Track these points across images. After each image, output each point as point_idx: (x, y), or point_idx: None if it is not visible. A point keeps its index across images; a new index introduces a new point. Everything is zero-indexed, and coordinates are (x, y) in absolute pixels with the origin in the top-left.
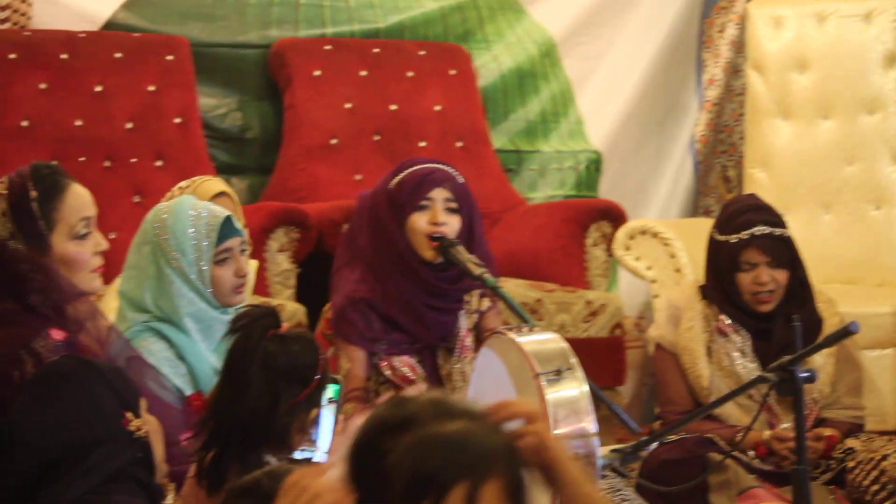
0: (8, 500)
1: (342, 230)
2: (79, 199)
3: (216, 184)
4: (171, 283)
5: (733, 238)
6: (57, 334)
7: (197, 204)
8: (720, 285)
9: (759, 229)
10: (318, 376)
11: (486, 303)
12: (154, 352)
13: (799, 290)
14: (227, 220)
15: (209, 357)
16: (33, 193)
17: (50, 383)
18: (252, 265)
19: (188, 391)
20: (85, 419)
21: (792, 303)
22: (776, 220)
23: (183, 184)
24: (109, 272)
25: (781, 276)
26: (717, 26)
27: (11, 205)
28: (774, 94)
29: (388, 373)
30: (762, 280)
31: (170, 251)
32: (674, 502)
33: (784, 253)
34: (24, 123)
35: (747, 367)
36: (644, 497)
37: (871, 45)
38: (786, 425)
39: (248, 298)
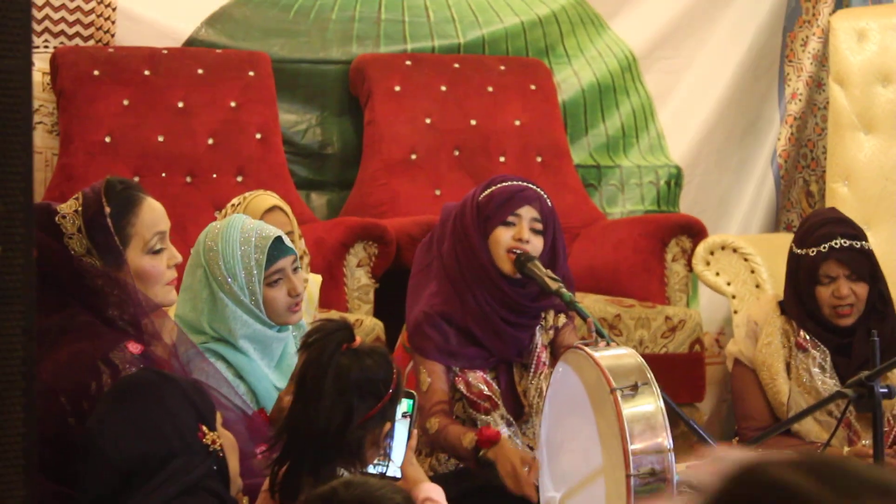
0: None
1: (423, 239)
2: (153, 214)
3: (268, 198)
4: (225, 306)
5: (812, 251)
6: (134, 347)
7: (246, 225)
8: (800, 300)
9: (839, 242)
10: (392, 390)
11: (562, 319)
12: (210, 374)
13: (879, 304)
14: (277, 240)
15: (269, 375)
16: (107, 209)
17: (128, 395)
18: (314, 280)
19: (248, 410)
20: (162, 431)
21: (873, 317)
22: (856, 233)
23: (235, 200)
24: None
25: (861, 289)
26: (800, 40)
27: (86, 221)
28: (857, 108)
29: (462, 388)
30: (842, 293)
31: (220, 275)
32: None
33: (864, 266)
34: (107, 139)
35: (827, 383)
36: None
37: None
38: (865, 442)
39: (312, 313)
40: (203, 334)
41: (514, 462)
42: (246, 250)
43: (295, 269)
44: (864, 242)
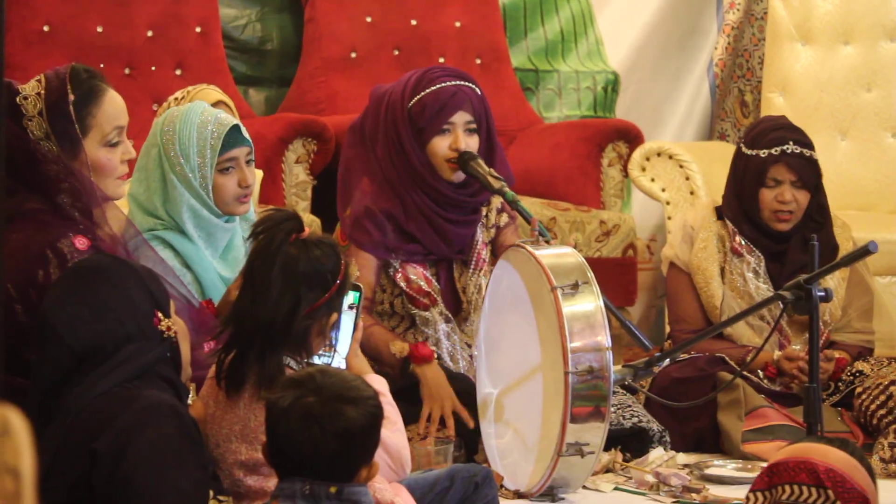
0: (41, 390)
1: (352, 123)
2: (114, 107)
3: (212, 93)
4: (174, 188)
5: (763, 153)
6: (80, 242)
7: (206, 111)
8: (740, 201)
9: (791, 147)
10: (339, 281)
11: (504, 218)
12: (156, 262)
13: (817, 215)
14: (234, 128)
15: (214, 265)
16: (71, 96)
17: (84, 278)
18: (256, 175)
19: (194, 300)
20: (117, 315)
21: (808, 227)
22: (807, 142)
23: (178, 94)
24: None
25: (803, 197)
26: None
27: (48, 105)
28: (795, 19)
29: (402, 284)
30: (785, 198)
31: (174, 156)
32: (683, 419)
33: (810, 175)
34: (45, 28)
35: (760, 288)
36: (653, 413)
37: None
38: (797, 346)
39: (253, 209)
40: (154, 217)
41: (444, 391)
42: (202, 133)
43: (248, 162)
44: (813, 153)
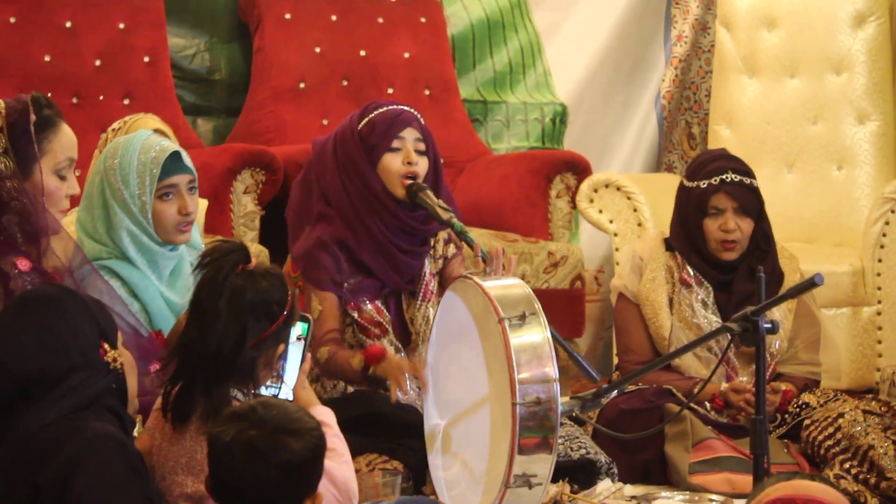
0: None
1: (298, 176)
2: (69, 139)
3: (150, 121)
4: (115, 213)
5: (703, 183)
6: (22, 264)
7: (150, 138)
8: (686, 232)
9: (730, 176)
10: (286, 312)
11: (451, 249)
12: (104, 292)
13: (763, 243)
14: (175, 155)
15: (162, 291)
16: (33, 117)
17: (30, 307)
18: (201, 204)
19: (140, 329)
20: (63, 345)
21: (755, 256)
22: (746, 170)
23: (116, 124)
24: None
25: (747, 225)
26: None
27: (10, 123)
28: (742, 52)
29: (354, 314)
30: (728, 227)
31: (115, 182)
32: (630, 451)
33: (751, 202)
34: None
35: (709, 319)
36: (601, 445)
37: (839, 5)
38: (743, 378)
39: (197, 238)
40: (99, 243)
41: (401, 367)
42: (143, 159)
43: (191, 189)
44: (753, 180)
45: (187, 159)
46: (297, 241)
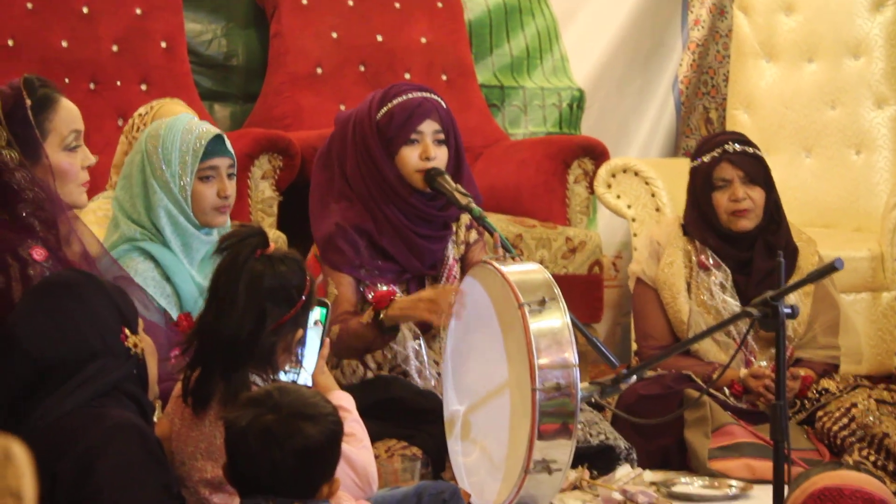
0: (5, 407)
1: (319, 150)
2: (69, 112)
3: (176, 107)
4: (154, 192)
5: (707, 157)
6: (38, 253)
7: (193, 120)
8: (700, 212)
9: (731, 146)
10: (305, 297)
11: (473, 235)
12: (140, 272)
13: (775, 213)
14: (218, 138)
15: (193, 275)
16: (28, 102)
17: (52, 293)
18: None
19: (173, 311)
20: (84, 331)
21: (769, 229)
22: (748, 141)
23: (142, 109)
24: (91, 192)
25: (758, 194)
26: None
27: (6, 113)
28: (760, 36)
29: (370, 297)
30: (737, 195)
31: (157, 161)
32: (649, 436)
33: (757, 170)
34: (10, 43)
35: (727, 302)
36: (620, 431)
37: None
38: (763, 363)
39: (228, 223)
40: (137, 224)
41: (420, 296)
42: (186, 139)
43: (230, 175)
44: (756, 150)
45: (228, 143)
46: (318, 216)
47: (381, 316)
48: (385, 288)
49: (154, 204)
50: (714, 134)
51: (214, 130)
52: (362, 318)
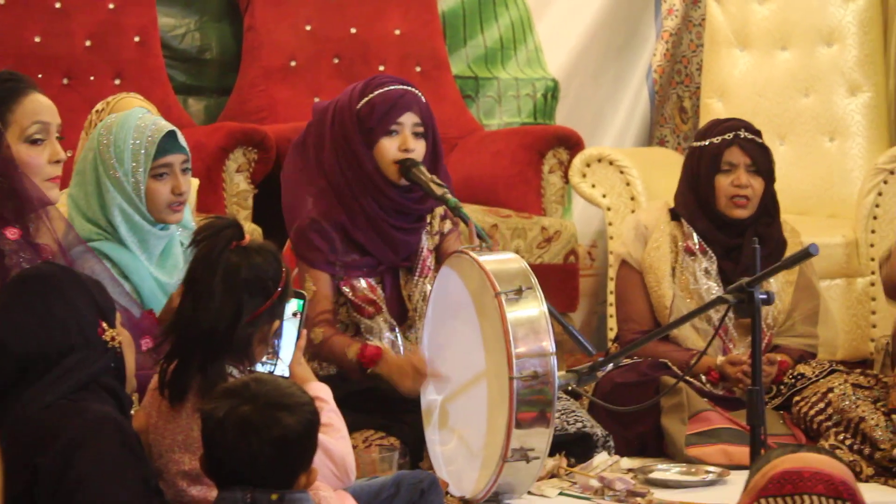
0: None
1: (295, 139)
2: (36, 104)
3: (132, 101)
4: (107, 191)
5: (717, 139)
6: (11, 233)
7: (145, 116)
8: (696, 194)
9: (743, 133)
10: (281, 288)
11: (447, 225)
12: (97, 272)
13: (771, 205)
14: (171, 134)
15: (152, 271)
16: None
17: (29, 286)
18: (193, 184)
19: (134, 309)
20: (62, 324)
21: (762, 221)
22: (758, 131)
23: (99, 105)
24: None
25: (759, 184)
26: None
27: None
28: (733, 25)
29: (347, 292)
30: (741, 181)
31: (109, 159)
32: (626, 424)
33: (764, 161)
34: None
35: (711, 288)
36: (597, 418)
37: None
38: (740, 350)
39: (189, 217)
40: (92, 223)
41: (404, 364)
42: (138, 137)
43: (184, 170)
44: (764, 142)
45: (182, 139)
46: (291, 213)
47: (369, 371)
48: (371, 341)
49: (108, 202)
50: (724, 119)
51: (167, 127)
52: (349, 353)
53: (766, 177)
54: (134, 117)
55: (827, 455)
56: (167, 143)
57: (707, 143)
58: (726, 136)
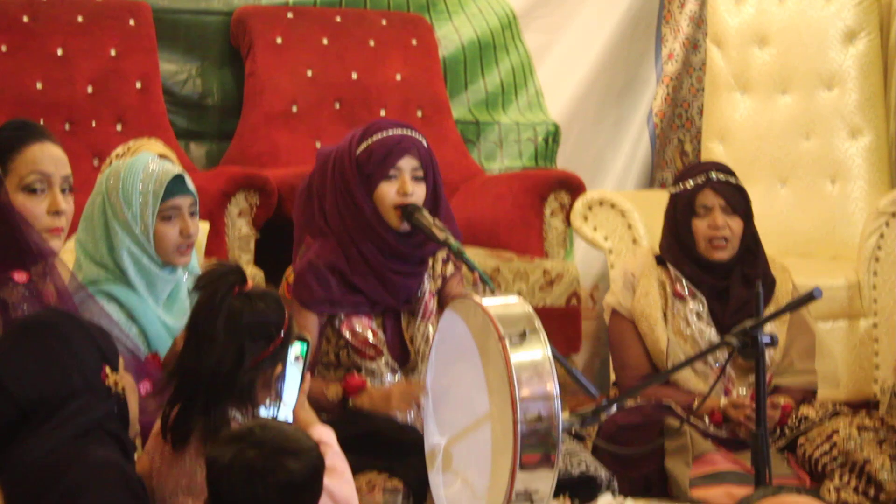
0: None
1: (301, 186)
2: (39, 154)
3: (153, 146)
4: (116, 234)
5: (689, 183)
6: (19, 276)
7: (153, 160)
8: (677, 239)
9: (715, 175)
10: (283, 333)
11: (450, 268)
12: (100, 317)
13: (752, 245)
14: (178, 177)
15: (160, 315)
16: None
17: (32, 332)
18: (202, 227)
19: (140, 353)
20: (65, 370)
21: (746, 260)
22: (731, 171)
23: (119, 150)
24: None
25: (736, 224)
26: (678, 2)
27: None
28: (734, 69)
29: (347, 335)
30: (717, 223)
31: (117, 202)
32: (630, 466)
33: (739, 201)
34: None
35: (703, 331)
36: (601, 460)
37: (830, 22)
38: (742, 391)
39: (195, 263)
40: (100, 266)
41: (390, 391)
42: (146, 180)
43: (192, 214)
44: (738, 181)
45: (190, 182)
46: (297, 253)
47: (350, 405)
48: (369, 363)
49: (116, 245)
50: (697, 162)
51: (175, 170)
52: (329, 394)
53: (744, 216)
54: (142, 161)
55: (808, 496)
56: (175, 186)
57: (680, 188)
58: (698, 180)
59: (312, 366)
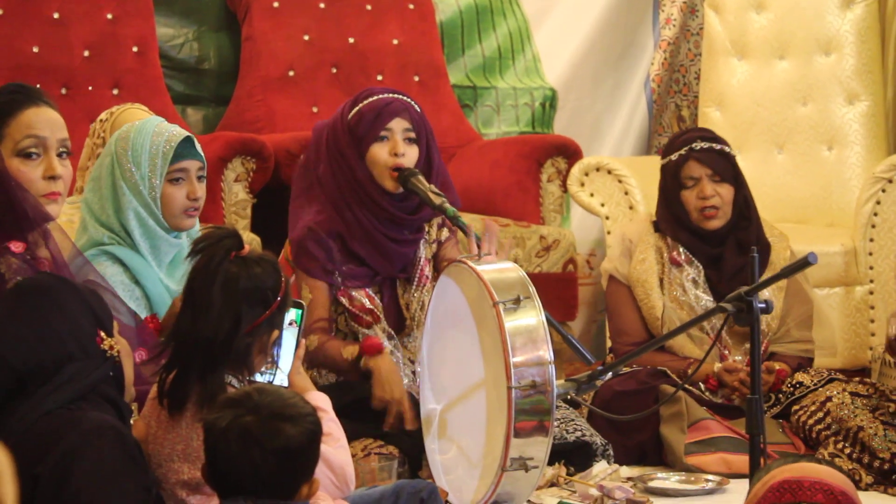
0: None
1: (299, 161)
2: (32, 118)
3: (137, 112)
4: (123, 194)
5: (674, 156)
6: (16, 246)
7: (163, 123)
8: (670, 210)
9: (698, 144)
10: (280, 298)
11: (444, 233)
12: (109, 276)
13: (745, 210)
14: (188, 140)
15: (163, 279)
16: None
17: (26, 298)
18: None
19: (143, 314)
20: (60, 335)
21: (740, 226)
22: (715, 138)
23: (103, 115)
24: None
25: (726, 191)
26: None
27: None
28: (731, 34)
29: (345, 302)
30: (706, 193)
31: (125, 163)
32: (626, 433)
33: (725, 167)
34: None
35: (700, 298)
36: (596, 427)
37: None
38: (737, 358)
39: (198, 228)
40: (106, 227)
41: (396, 377)
42: (156, 142)
43: (200, 178)
44: (724, 146)
45: (198, 146)
46: (294, 221)
47: (362, 363)
48: (366, 329)
49: (123, 206)
50: (682, 131)
51: (184, 133)
52: (345, 353)
53: (734, 182)
54: (152, 124)
55: (827, 465)
56: (184, 149)
57: (667, 161)
58: (682, 152)
59: (328, 329)
